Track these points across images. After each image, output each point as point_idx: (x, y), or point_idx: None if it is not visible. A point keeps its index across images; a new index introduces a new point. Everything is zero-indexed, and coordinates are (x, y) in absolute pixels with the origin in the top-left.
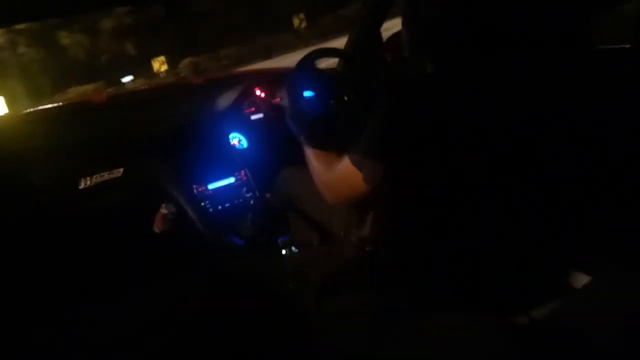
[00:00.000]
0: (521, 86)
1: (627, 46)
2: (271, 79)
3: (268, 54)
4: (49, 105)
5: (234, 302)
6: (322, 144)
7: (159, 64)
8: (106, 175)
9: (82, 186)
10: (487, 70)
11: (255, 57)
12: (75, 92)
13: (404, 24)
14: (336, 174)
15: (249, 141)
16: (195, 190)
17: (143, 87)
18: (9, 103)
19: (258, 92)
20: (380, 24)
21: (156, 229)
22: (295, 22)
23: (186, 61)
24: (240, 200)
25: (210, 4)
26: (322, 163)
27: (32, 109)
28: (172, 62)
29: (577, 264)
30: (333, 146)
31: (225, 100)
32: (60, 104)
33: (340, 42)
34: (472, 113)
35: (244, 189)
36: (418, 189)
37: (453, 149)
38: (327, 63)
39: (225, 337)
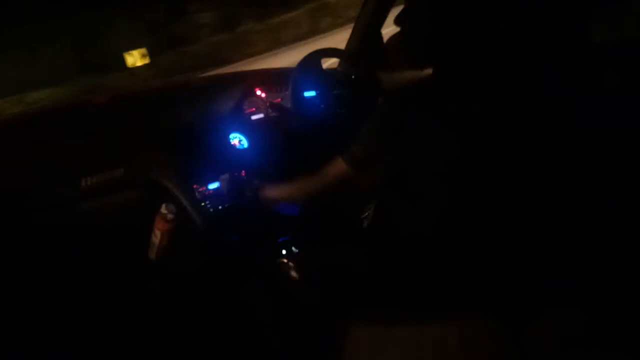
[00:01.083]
0: (521, 89)
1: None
2: (272, 79)
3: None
4: (49, 104)
5: (234, 302)
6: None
7: None
8: (106, 175)
9: (82, 186)
10: (487, 73)
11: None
12: None
13: (404, 27)
14: (329, 175)
15: (250, 141)
16: (195, 191)
17: (142, 88)
18: None
19: (258, 92)
20: (381, 25)
21: (157, 229)
22: (129, 59)
23: None
24: (241, 200)
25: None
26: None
27: (31, 107)
28: None
29: (577, 269)
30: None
31: (225, 100)
32: (60, 103)
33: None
34: (471, 114)
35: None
36: (416, 189)
37: (453, 150)
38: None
39: (226, 338)
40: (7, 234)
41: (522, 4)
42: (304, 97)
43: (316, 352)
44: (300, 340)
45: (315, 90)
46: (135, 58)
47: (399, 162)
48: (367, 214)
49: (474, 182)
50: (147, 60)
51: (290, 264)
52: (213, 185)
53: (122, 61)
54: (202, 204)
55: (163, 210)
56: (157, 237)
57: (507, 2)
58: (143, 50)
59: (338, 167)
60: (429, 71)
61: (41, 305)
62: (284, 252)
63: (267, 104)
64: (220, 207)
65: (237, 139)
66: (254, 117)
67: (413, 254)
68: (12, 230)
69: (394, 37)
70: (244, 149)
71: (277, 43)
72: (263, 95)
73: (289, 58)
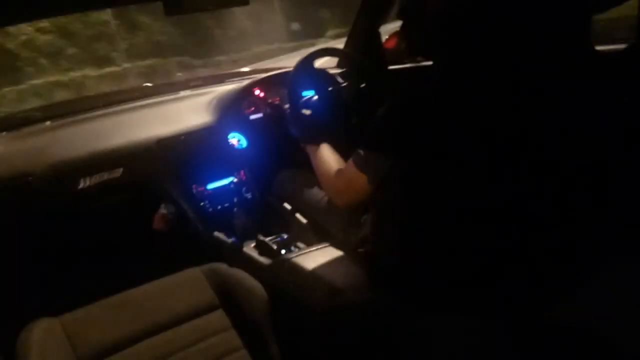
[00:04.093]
0: (525, 87)
1: (625, 46)
2: (270, 79)
3: None
4: (45, 104)
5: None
6: (324, 147)
7: None
8: (105, 175)
9: (81, 186)
10: (490, 72)
11: None
12: None
13: (407, 24)
14: (342, 177)
15: (249, 141)
16: (194, 190)
17: (139, 87)
18: None
19: (257, 92)
20: (380, 23)
21: (156, 228)
22: None
23: None
24: (240, 200)
25: None
26: (327, 168)
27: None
28: None
29: (581, 264)
30: (335, 148)
31: (224, 100)
32: (59, 102)
33: None
34: (475, 113)
35: (244, 189)
36: (419, 188)
37: (456, 149)
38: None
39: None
40: (7, 234)
41: (523, 6)
42: (301, 97)
43: (312, 349)
44: (298, 340)
45: (313, 90)
46: None
47: (399, 163)
48: (365, 217)
49: (476, 183)
50: None
51: (289, 264)
52: (212, 185)
53: None
54: (202, 203)
55: (162, 210)
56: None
57: (508, 2)
58: None
59: (349, 168)
60: (429, 67)
61: (39, 305)
62: (283, 252)
63: (266, 103)
64: (219, 207)
65: (236, 139)
66: (252, 117)
67: (409, 256)
68: (12, 230)
69: (393, 36)
70: (243, 148)
71: None
72: (262, 95)
73: None
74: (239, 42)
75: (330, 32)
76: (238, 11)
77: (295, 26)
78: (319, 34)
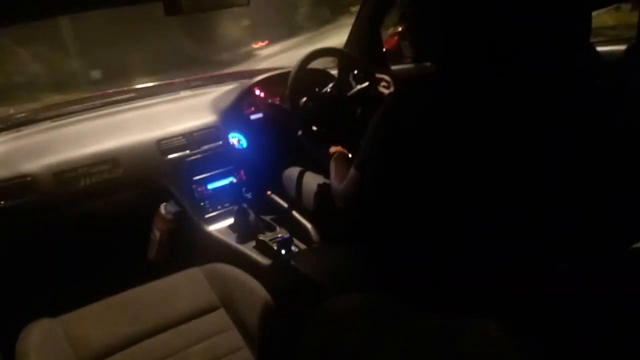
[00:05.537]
0: (523, 89)
1: (625, 46)
2: (270, 79)
3: None
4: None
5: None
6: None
7: None
8: (106, 176)
9: (81, 186)
10: (490, 72)
11: None
12: None
13: (408, 26)
14: (345, 179)
15: (249, 141)
16: (194, 190)
17: (139, 88)
18: None
19: (257, 92)
20: (380, 23)
21: (156, 229)
22: None
23: None
24: (240, 200)
25: None
26: (334, 173)
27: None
28: None
29: (569, 262)
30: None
31: (224, 100)
32: (58, 102)
33: None
34: (475, 114)
35: (244, 189)
36: (418, 189)
37: (455, 149)
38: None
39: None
40: (7, 234)
41: (522, 6)
42: (302, 98)
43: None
44: (298, 340)
45: (313, 91)
46: None
47: (398, 164)
48: (365, 217)
49: (476, 183)
50: None
51: (289, 264)
52: (213, 185)
53: None
54: (202, 204)
55: (162, 210)
56: (156, 236)
57: (507, 3)
58: None
59: (351, 172)
60: (431, 69)
61: (39, 305)
62: (283, 252)
63: (266, 103)
64: (219, 207)
65: (236, 139)
66: (253, 117)
67: (408, 256)
68: (12, 230)
69: (394, 36)
70: (243, 148)
71: None
72: (262, 94)
73: None
74: (27, 91)
75: (137, 80)
76: (23, 54)
77: (96, 74)
78: (125, 83)
